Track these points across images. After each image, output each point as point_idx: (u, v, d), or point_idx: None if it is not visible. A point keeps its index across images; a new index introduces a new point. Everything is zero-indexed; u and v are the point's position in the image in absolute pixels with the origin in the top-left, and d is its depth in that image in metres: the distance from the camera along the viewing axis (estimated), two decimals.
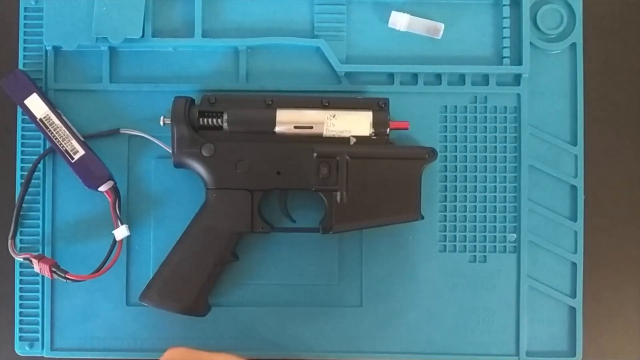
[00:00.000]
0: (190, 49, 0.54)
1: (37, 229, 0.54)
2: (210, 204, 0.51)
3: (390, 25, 0.54)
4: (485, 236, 0.54)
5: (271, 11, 0.54)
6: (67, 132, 0.51)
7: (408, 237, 0.54)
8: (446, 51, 0.54)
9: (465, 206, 0.54)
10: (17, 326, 0.53)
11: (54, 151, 0.52)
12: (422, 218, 0.51)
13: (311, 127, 0.50)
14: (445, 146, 0.54)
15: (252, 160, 0.50)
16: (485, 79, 0.54)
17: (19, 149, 0.54)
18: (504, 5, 0.54)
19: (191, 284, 0.50)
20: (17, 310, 0.53)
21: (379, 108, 0.51)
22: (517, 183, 0.54)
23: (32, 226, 0.54)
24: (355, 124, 0.50)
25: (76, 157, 0.51)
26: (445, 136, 0.54)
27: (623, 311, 0.56)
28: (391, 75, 0.54)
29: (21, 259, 0.51)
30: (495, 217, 0.54)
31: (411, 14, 0.54)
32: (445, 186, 0.54)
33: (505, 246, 0.54)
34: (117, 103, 0.54)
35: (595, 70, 0.55)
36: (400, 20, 0.54)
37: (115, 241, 0.51)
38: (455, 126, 0.54)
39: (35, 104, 0.51)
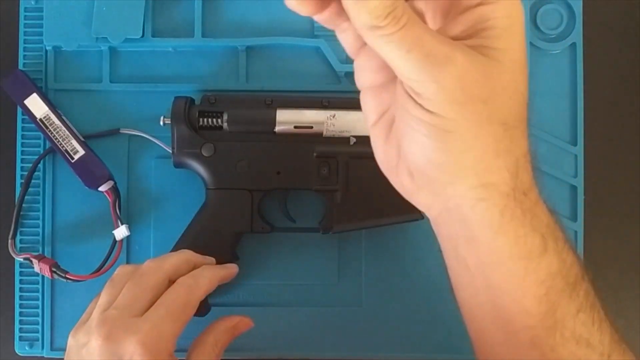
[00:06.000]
0: (190, 49, 0.54)
1: (37, 229, 0.54)
2: (210, 204, 0.51)
3: None
4: None
5: (271, 11, 0.54)
6: (67, 132, 0.51)
7: (408, 237, 0.54)
8: None
9: None
10: (17, 326, 0.53)
11: (54, 151, 0.52)
12: (422, 218, 0.51)
13: (311, 127, 0.50)
14: None
15: (252, 160, 0.50)
16: None
17: (19, 149, 0.54)
18: None
19: None
20: (17, 310, 0.53)
21: None
22: None
23: (32, 226, 0.54)
24: (355, 124, 0.50)
25: (76, 157, 0.51)
26: None
27: (623, 311, 0.56)
28: None
29: (21, 259, 0.51)
30: None
31: None
32: None
33: None
34: (117, 103, 0.54)
35: (595, 70, 0.55)
36: None
37: (115, 241, 0.51)
38: None
39: (35, 104, 0.51)
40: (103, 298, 0.42)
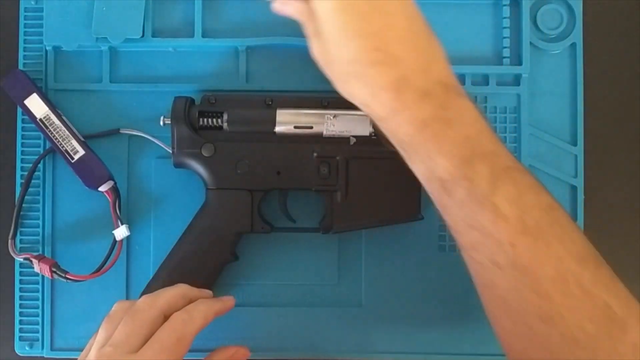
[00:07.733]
0: (190, 49, 0.54)
1: (37, 229, 0.54)
2: (210, 204, 0.51)
3: None
4: None
5: (271, 11, 0.54)
6: (67, 132, 0.51)
7: (408, 237, 0.54)
8: (446, 51, 0.54)
9: None
10: (17, 326, 0.53)
11: (54, 151, 0.52)
12: (422, 218, 0.51)
13: (311, 127, 0.50)
14: None
15: (252, 160, 0.50)
16: (485, 79, 0.54)
17: (19, 149, 0.54)
18: (504, 5, 0.54)
19: (191, 284, 0.50)
20: (17, 310, 0.53)
21: None
22: None
23: (32, 226, 0.54)
24: (355, 124, 0.50)
25: (76, 157, 0.51)
26: None
27: None
28: None
29: (21, 259, 0.52)
30: None
31: None
32: None
33: None
34: (117, 103, 0.54)
35: (595, 70, 0.55)
36: None
37: (115, 241, 0.51)
38: None
39: (35, 104, 0.51)
40: (100, 334, 0.42)
